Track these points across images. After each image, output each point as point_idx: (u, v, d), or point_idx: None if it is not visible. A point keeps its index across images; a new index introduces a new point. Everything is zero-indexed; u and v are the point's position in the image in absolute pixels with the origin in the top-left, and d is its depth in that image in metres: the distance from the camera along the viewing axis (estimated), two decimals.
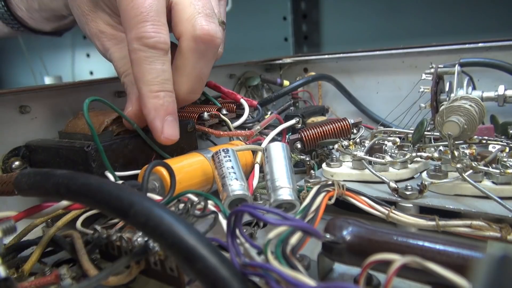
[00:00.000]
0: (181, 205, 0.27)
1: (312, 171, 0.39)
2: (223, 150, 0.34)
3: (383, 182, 0.35)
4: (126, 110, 0.38)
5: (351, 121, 0.46)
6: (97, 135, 0.33)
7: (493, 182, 0.32)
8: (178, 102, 0.37)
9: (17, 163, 0.38)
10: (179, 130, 0.36)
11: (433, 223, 0.26)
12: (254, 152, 0.41)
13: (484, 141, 0.37)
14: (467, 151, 0.35)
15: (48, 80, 1.70)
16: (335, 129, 0.46)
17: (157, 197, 0.30)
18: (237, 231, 0.22)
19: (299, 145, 0.45)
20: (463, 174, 0.31)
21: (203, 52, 0.36)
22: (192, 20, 0.35)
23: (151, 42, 0.33)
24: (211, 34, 0.35)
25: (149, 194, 0.30)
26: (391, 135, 0.43)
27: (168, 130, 0.35)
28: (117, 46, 0.38)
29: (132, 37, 0.33)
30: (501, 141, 0.37)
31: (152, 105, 0.34)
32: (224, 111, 0.49)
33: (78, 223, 0.29)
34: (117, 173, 0.34)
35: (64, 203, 0.26)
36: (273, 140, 0.43)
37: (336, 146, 0.41)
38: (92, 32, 0.39)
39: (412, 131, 0.40)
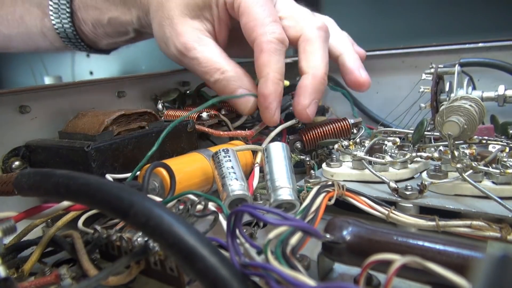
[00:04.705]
0: (181, 205, 0.27)
1: (312, 171, 0.39)
2: (223, 150, 0.34)
3: (383, 182, 0.35)
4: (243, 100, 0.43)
5: (351, 121, 0.46)
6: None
7: (493, 182, 0.32)
8: (318, 84, 0.43)
9: (17, 163, 0.38)
10: None
11: (433, 223, 0.26)
12: (254, 152, 0.41)
13: (484, 141, 0.37)
14: (467, 151, 0.35)
15: (48, 80, 1.70)
16: (335, 129, 0.46)
17: (157, 198, 0.30)
18: (237, 231, 0.22)
19: (299, 145, 0.45)
20: (463, 174, 0.31)
21: (326, 38, 0.45)
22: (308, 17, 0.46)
23: (281, 38, 0.41)
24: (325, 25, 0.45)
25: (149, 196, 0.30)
26: (391, 135, 0.43)
27: (277, 113, 0.42)
28: (204, 46, 0.43)
29: (266, 31, 0.40)
30: (501, 141, 0.37)
31: (274, 89, 0.41)
32: (224, 111, 0.49)
33: (80, 223, 0.29)
34: (116, 176, 0.34)
35: (64, 204, 0.26)
36: (273, 140, 0.43)
37: (336, 146, 0.41)
38: (177, 32, 0.43)
39: (412, 131, 0.40)
